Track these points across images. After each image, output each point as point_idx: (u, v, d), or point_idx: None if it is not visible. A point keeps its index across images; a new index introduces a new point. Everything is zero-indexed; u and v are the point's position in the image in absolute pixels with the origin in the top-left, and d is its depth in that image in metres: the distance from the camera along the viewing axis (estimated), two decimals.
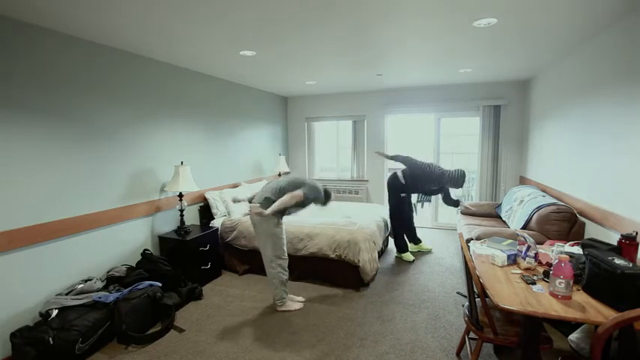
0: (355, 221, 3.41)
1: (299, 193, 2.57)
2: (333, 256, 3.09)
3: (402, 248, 3.89)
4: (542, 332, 1.70)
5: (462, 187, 3.53)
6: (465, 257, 1.80)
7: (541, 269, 1.84)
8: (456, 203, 3.84)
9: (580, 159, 2.86)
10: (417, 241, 4.13)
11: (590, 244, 1.77)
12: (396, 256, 3.96)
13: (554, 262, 1.56)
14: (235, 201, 3.87)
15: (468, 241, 2.92)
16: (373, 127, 5.39)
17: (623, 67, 2.21)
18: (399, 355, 2.16)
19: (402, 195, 3.81)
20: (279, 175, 5.37)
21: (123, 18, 2.10)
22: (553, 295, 1.53)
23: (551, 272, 1.57)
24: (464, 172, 3.50)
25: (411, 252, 3.94)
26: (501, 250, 2.02)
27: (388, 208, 3.98)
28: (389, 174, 5.39)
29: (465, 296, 2.87)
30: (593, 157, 2.63)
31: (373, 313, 2.68)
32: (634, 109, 2.10)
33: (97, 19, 2.11)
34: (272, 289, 2.72)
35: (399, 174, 3.81)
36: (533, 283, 1.67)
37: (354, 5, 1.97)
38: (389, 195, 3.93)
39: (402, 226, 3.91)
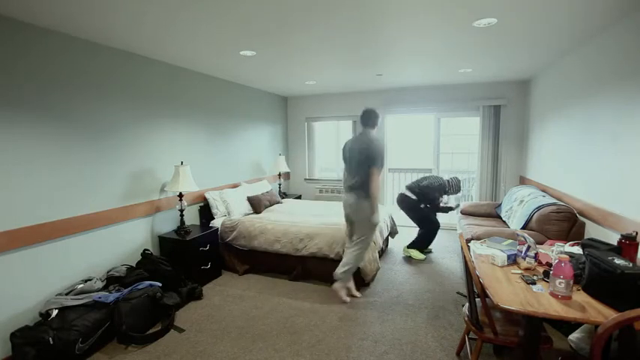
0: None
1: None
2: (333, 256, 3.09)
3: (419, 246, 3.94)
4: (542, 332, 1.70)
5: (460, 192, 3.95)
6: (465, 257, 1.80)
7: (541, 269, 1.84)
8: (449, 209, 4.03)
9: (580, 159, 2.86)
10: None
11: (590, 244, 1.77)
12: (405, 254, 3.96)
13: (554, 262, 1.56)
14: None
15: (468, 241, 2.92)
16: None
17: (625, 66, 2.21)
18: (399, 355, 2.16)
19: (422, 206, 3.88)
20: (279, 175, 5.38)
21: (118, 17, 2.10)
22: (553, 295, 1.53)
23: (551, 272, 1.57)
24: (458, 178, 3.98)
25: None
26: (501, 250, 2.02)
27: (419, 224, 3.98)
28: (389, 175, 5.47)
29: (465, 296, 2.86)
30: (593, 157, 2.63)
31: (373, 313, 2.68)
32: (635, 109, 2.10)
33: (90, 18, 2.09)
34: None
35: (407, 192, 3.92)
36: (533, 283, 1.67)
37: (354, 5, 1.97)
38: (410, 214, 3.97)
39: (431, 233, 3.95)
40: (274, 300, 2.92)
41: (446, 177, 3.99)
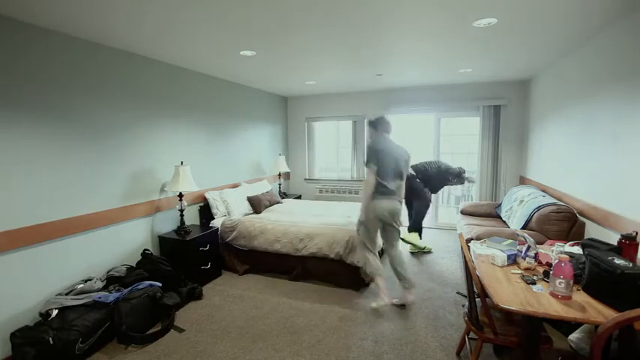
0: (355, 221, 3.41)
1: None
2: (332, 256, 3.09)
3: (415, 226, 4.01)
4: (542, 332, 1.70)
5: (463, 182, 4.05)
6: (465, 257, 1.80)
7: (541, 269, 1.84)
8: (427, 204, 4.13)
9: (580, 159, 2.86)
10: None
11: (590, 244, 1.77)
12: (405, 239, 4.00)
13: (554, 262, 1.56)
14: None
15: (468, 241, 2.92)
16: None
17: (624, 66, 2.21)
18: (399, 355, 2.16)
19: (417, 180, 3.98)
20: (279, 175, 5.38)
21: (118, 17, 2.10)
22: (553, 295, 1.53)
23: (551, 272, 1.57)
24: (464, 169, 4.10)
25: (412, 251, 4.01)
26: (501, 250, 2.03)
27: (410, 199, 4.08)
28: None
29: (465, 296, 2.86)
30: (593, 157, 2.63)
31: (373, 313, 2.68)
32: (634, 109, 2.10)
33: (89, 18, 2.09)
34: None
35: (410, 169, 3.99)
36: (533, 283, 1.67)
37: (354, 5, 1.97)
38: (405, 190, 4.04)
39: (422, 207, 4.01)
40: (274, 300, 2.92)
41: (453, 166, 4.10)
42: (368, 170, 2.69)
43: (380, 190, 2.70)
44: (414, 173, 4.01)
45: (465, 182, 4.11)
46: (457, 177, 3.99)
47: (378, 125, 2.83)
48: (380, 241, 2.96)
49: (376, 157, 2.69)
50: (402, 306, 2.78)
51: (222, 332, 2.44)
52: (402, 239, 3.98)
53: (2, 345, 2.04)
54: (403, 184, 2.82)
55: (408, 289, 2.76)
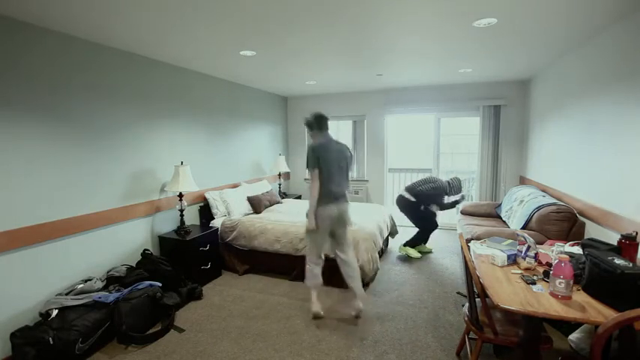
0: (355, 221, 3.41)
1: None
2: (332, 256, 3.08)
3: (414, 244, 4.00)
4: (542, 332, 1.70)
5: (461, 192, 4.00)
6: (465, 257, 1.80)
7: (541, 269, 1.84)
8: (455, 203, 4.03)
9: (580, 159, 2.86)
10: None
11: (590, 244, 1.77)
12: (401, 252, 3.99)
13: (554, 262, 1.56)
14: None
15: (468, 241, 2.92)
16: (373, 127, 5.39)
17: (624, 67, 2.21)
18: (399, 355, 2.16)
19: (422, 208, 3.90)
20: (279, 175, 5.37)
21: (119, 18, 2.10)
22: (553, 295, 1.53)
23: (551, 272, 1.57)
24: (459, 178, 4.00)
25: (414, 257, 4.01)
26: (501, 250, 2.03)
27: (416, 224, 4.04)
28: (388, 175, 5.48)
29: (465, 296, 2.86)
30: (593, 157, 2.63)
31: (373, 313, 2.68)
32: (634, 109, 2.10)
33: (89, 19, 2.10)
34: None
35: (405, 194, 3.94)
36: (533, 283, 1.67)
37: (355, 5, 1.97)
38: (409, 215, 4.00)
39: (428, 232, 4.02)
40: (274, 300, 2.92)
41: (445, 178, 4.01)
42: (310, 175, 2.52)
43: (325, 195, 2.51)
44: (414, 200, 3.86)
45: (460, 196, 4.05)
46: (453, 189, 3.92)
47: (313, 124, 2.64)
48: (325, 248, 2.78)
49: (316, 159, 2.51)
50: (357, 317, 2.61)
51: (222, 332, 2.44)
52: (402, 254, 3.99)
53: (2, 345, 2.04)
54: (349, 183, 2.70)
55: (356, 297, 2.61)
